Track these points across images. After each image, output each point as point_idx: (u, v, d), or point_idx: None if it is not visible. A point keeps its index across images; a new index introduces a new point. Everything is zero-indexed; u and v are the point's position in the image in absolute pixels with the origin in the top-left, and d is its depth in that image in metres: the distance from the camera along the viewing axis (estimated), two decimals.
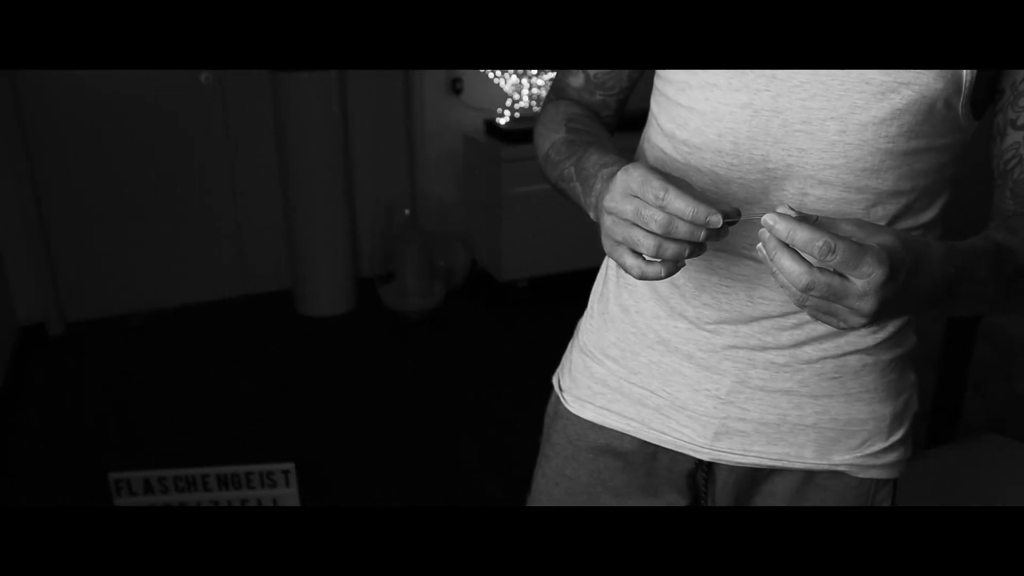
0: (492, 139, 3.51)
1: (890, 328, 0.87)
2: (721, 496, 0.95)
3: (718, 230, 0.67)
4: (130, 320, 3.36)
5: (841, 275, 0.60)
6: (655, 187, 0.66)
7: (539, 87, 3.57)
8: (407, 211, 3.61)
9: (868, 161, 0.76)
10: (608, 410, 0.94)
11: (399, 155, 3.66)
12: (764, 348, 0.85)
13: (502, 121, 3.52)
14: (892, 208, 0.80)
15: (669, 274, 0.69)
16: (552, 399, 1.04)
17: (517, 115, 3.55)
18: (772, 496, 0.93)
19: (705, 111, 0.80)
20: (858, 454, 0.90)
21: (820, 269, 0.60)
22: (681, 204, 0.65)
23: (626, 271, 0.71)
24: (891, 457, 0.92)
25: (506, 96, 3.62)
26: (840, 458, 0.90)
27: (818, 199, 0.78)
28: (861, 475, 0.91)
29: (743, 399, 0.87)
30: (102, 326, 3.33)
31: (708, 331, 0.86)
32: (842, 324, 0.63)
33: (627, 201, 0.68)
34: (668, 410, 0.90)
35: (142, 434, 2.63)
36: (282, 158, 3.31)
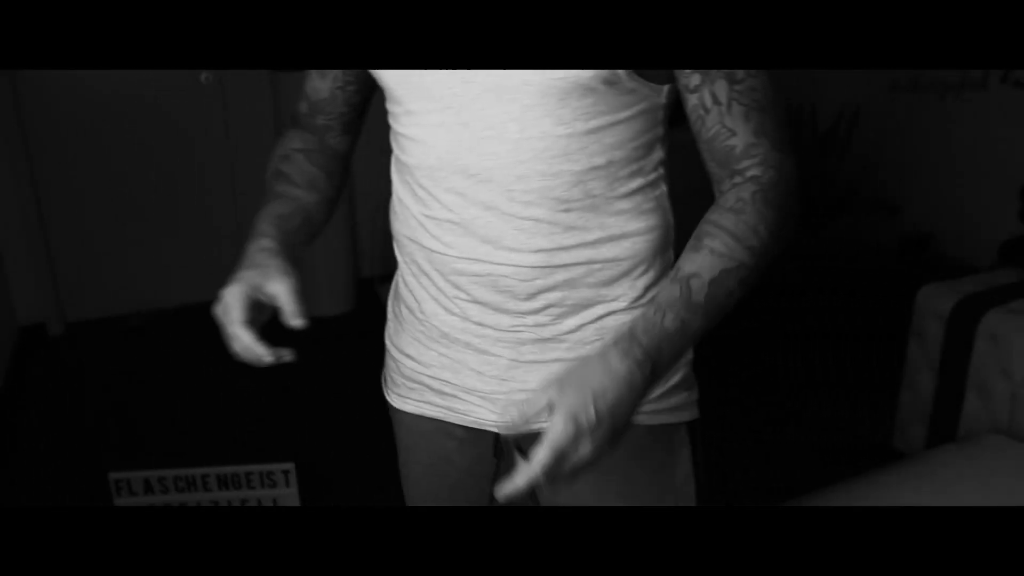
0: None
1: (640, 285, 0.93)
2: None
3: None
4: (130, 320, 3.35)
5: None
6: (227, 321, 0.81)
7: None
8: None
9: (554, 149, 0.84)
10: (423, 402, 1.04)
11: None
12: (527, 328, 0.92)
13: None
14: (597, 183, 0.87)
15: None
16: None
17: None
18: None
19: (415, 136, 0.90)
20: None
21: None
22: (236, 346, 0.81)
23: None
24: (673, 400, 0.97)
25: None
26: None
27: (523, 191, 0.85)
28: (649, 422, 0.94)
29: (521, 374, 0.95)
30: (102, 326, 3.33)
31: (476, 323, 0.94)
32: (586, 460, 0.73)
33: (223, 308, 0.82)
34: (463, 395, 0.99)
35: (142, 434, 2.63)
36: None
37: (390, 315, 1.08)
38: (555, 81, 0.80)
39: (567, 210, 0.86)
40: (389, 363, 1.09)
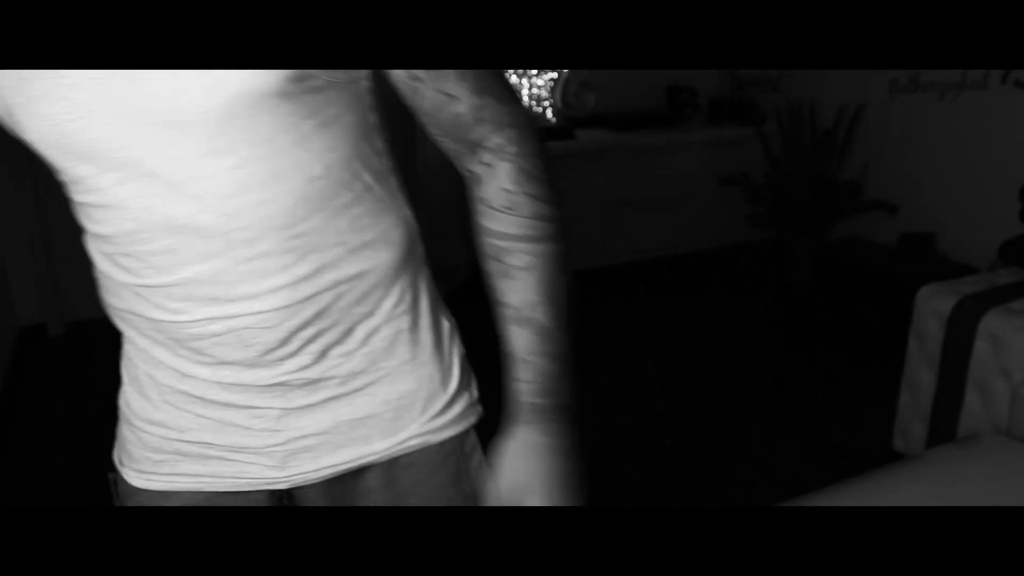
0: None
1: (395, 291, 0.86)
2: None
3: None
4: None
5: None
6: None
7: (539, 87, 3.57)
8: None
9: (262, 173, 0.74)
10: (176, 474, 0.90)
11: (398, 155, 3.66)
12: (290, 375, 0.83)
13: None
14: (320, 196, 0.77)
15: None
16: (114, 479, 0.98)
17: None
18: (369, 493, 0.91)
19: (100, 202, 0.77)
20: (423, 420, 0.89)
21: None
22: None
23: None
24: (458, 408, 0.92)
25: None
26: (408, 433, 0.89)
27: (241, 229, 0.75)
28: (439, 439, 0.91)
29: (293, 420, 0.86)
30: (102, 326, 3.31)
31: (232, 384, 0.83)
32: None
33: None
34: (231, 455, 0.88)
35: None
36: None
37: (125, 379, 0.91)
38: (238, 99, 0.70)
39: (297, 235, 0.77)
40: (126, 435, 0.92)
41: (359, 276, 0.82)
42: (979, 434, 1.85)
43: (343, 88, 0.77)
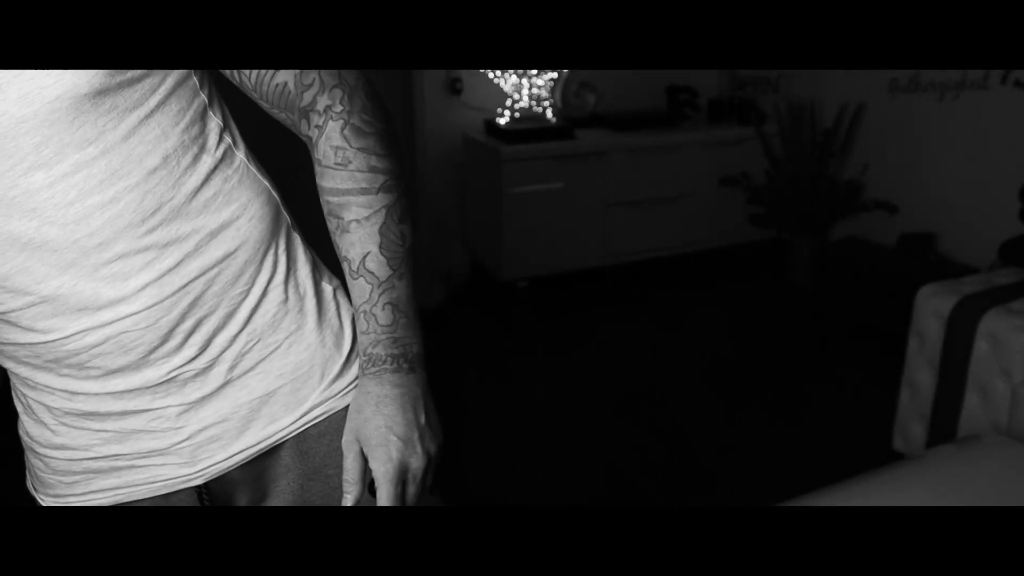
0: (492, 139, 3.51)
1: (268, 265, 0.85)
2: (242, 499, 0.93)
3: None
4: None
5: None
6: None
7: (539, 87, 3.57)
8: None
9: (99, 174, 0.72)
10: (91, 492, 0.88)
11: (397, 156, 3.66)
12: (178, 369, 0.82)
13: (502, 121, 3.52)
14: (164, 186, 0.76)
15: None
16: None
17: (517, 115, 3.55)
18: (288, 471, 0.91)
19: None
20: (323, 387, 0.90)
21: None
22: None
23: None
24: (356, 368, 0.91)
25: (506, 96, 3.61)
26: (311, 402, 0.89)
27: (90, 235, 0.73)
28: (343, 404, 0.91)
29: (194, 414, 0.85)
30: None
31: (123, 391, 0.82)
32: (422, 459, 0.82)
33: None
34: (140, 460, 0.86)
35: None
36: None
37: (19, 409, 0.90)
38: (56, 103, 0.68)
39: (150, 230, 0.75)
40: (34, 463, 0.91)
41: (226, 258, 0.81)
42: (979, 434, 1.85)
43: (166, 73, 0.76)
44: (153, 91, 0.74)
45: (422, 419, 0.83)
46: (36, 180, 0.70)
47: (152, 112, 0.75)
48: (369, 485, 0.83)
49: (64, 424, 0.85)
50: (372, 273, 0.81)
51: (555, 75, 3.61)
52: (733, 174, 3.76)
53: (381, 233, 0.81)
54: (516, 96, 3.56)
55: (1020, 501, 1.45)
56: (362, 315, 0.82)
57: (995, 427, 2.08)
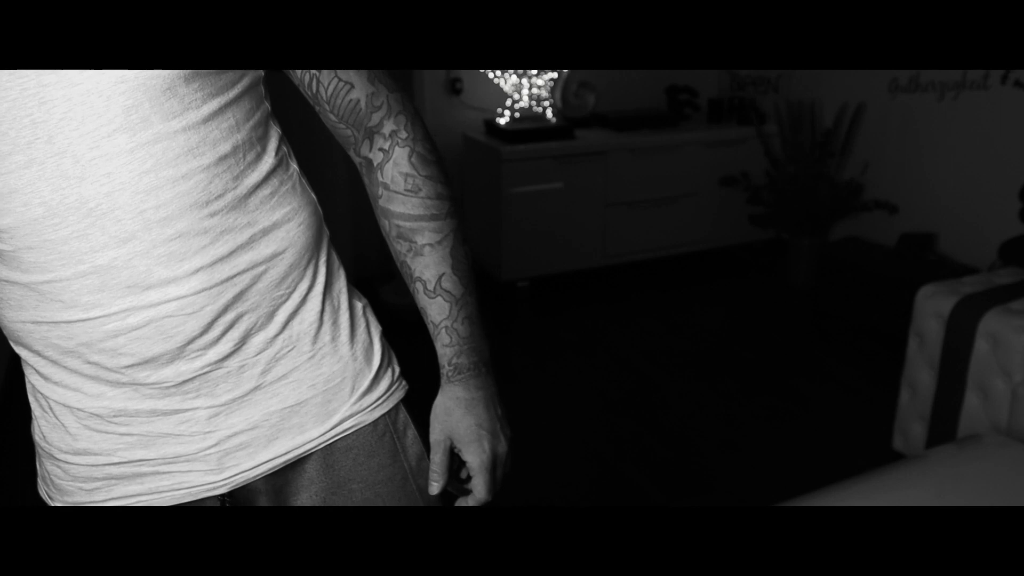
0: (492, 139, 3.51)
1: (309, 273, 0.88)
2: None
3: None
4: None
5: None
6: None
7: (539, 87, 3.57)
8: None
9: (176, 148, 0.75)
10: (112, 499, 0.87)
11: None
12: (212, 366, 0.82)
13: (502, 121, 3.52)
14: (230, 175, 0.79)
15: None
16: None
17: (517, 115, 3.55)
18: (312, 484, 0.91)
19: (3, 189, 0.73)
20: (353, 400, 0.91)
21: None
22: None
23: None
24: (384, 384, 0.94)
25: (506, 96, 3.62)
26: (341, 416, 0.90)
27: (156, 208, 0.75)
28: (372, 418, 0.92)
29: (223, 419, 0.84)
30: None
31: (152, 385, 0.81)
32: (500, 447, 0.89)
33: None
34: (165, 467, 0.85)
35: None
36: None
37: (36, 412, 0.89)
38: (152, 74, 0.72)
39: (212, 214, 0.77)
40: (53, 471, 0.89)
41: (274, 257, 0.83)
42: (979, 434, 1.85)
43: (246, 72, 0.81)
44: (233, 84, 0.79)
45: (500, 411, 0.90)
46: (119, 143, 0.72)
47: (230, 103, 0.79)
48: (455, 475, 0.91)
49: (87, 427, 0.84)
50: (449, 292, 0.87)
51: (555, 75, 3.61)
52: (733, 174, 3.76)
53: (452, 255, 0.87)
54: (516, 96, 3.56)
55: (1020, 501, 1.45)
56: (443, 330, 0.88)
57: (995, 427, 2.08)
